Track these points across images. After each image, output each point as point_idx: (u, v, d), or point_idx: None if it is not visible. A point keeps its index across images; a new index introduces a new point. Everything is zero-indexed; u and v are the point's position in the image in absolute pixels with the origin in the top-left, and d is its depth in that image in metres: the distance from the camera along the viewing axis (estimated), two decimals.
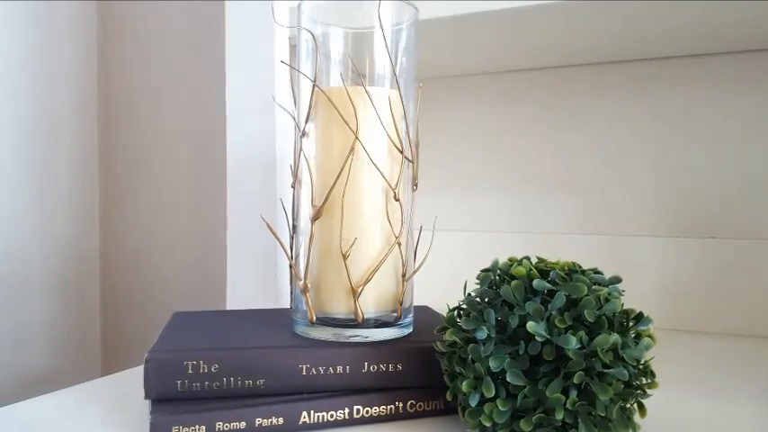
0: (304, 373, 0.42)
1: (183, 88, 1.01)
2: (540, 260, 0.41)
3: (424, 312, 0.55)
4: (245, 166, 0.71)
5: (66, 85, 0.99)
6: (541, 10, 0.60)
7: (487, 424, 0.36)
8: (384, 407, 0.43)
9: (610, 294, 0.37)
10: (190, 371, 0.40)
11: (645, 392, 0.36)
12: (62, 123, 0.98)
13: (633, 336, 0.37)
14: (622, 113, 0.78)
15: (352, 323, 0.45)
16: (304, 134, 0.47)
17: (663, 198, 0.76)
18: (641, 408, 0.37)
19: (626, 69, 0.78)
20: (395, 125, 0.47)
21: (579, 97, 0.80)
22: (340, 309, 0.46)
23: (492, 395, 0.36)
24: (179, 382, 0.40)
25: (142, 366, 0.41)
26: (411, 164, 0.48)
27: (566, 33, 0.67)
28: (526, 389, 0.35)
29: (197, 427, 0.39)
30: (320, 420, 0.41)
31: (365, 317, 0.45)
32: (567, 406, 0.34)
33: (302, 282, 0.46)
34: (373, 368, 0.43)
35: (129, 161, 1.06)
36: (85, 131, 1.03)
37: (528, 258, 0.41)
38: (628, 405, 0.36)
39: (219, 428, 0.39)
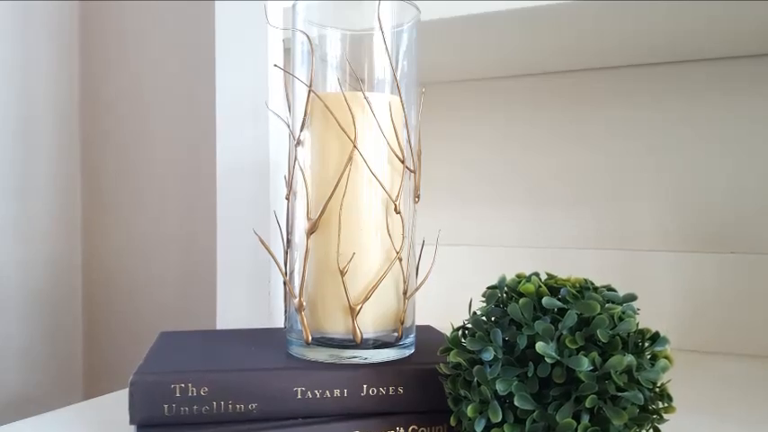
0: (299, 397, 0.42)
1: (171, 93, 1.02)
2: (550, 277, 0.41)
3: (426, 332, 0.55)
4: (237, 177, 0.71)
5: (45, 91, 0.99)
6: (551, 10, 0.60)
7: None
8: None
9: (624, 313, 0.37)
10: (178, 394, 0.40)
11: (661, 417, 0.36)
12: (41, 131, 0.98)
13: (649, 357, 0.37)
14: (636, 121, 0.78)
15: (351, 344, 0.45)
16: (299, 143, 0.47)
17: (679, 211, 0.76)
18: None
19: (640, 74, 0.78)
20: (395, 133, 0.47)
21: (590, 104, 0.80)
22: (337, 328, 0.46)
23: (499, 420, 0.36)
24: (166, 406, 0.40)
25: (127, 389, 0.41)
26: (413, 174, 0.49)
27: (577, 36, 0.67)
28: (535, 413, 0.35)
29: None
30: None
31: (364, 337, 0.45)
32: None
33: (297, 299, 0.46)
34: (373, 391, 0.43)
35: (113, 171, 1.06)
36: (66, 139, 1.03)
37: (537, 275, 0.41)
38: (643, 431, 0.36)
39: None
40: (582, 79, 0.81)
